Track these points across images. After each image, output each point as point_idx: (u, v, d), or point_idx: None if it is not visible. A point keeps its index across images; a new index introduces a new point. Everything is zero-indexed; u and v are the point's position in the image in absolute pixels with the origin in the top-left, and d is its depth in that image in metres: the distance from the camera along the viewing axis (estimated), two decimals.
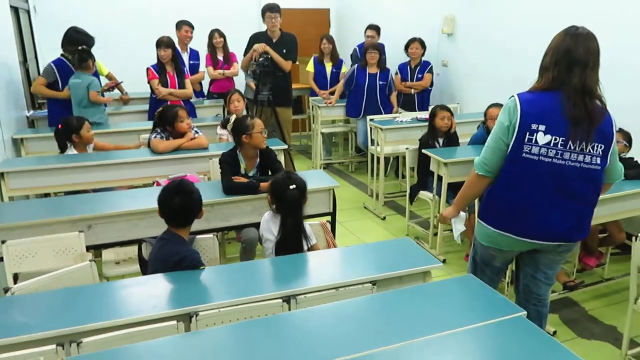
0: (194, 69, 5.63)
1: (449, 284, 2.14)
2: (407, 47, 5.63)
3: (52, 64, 4.55)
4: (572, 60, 2.03)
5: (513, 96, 2.12)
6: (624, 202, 3.10)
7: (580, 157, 2.06)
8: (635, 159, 3.39)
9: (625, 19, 3.80)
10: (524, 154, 2.08)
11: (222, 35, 5.85)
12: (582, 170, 2.07)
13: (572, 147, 2.05)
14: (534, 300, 2.42)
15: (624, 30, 3.81)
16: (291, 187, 2.45)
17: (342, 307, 1.89)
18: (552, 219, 2.13)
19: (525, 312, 1.83)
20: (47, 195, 3.74)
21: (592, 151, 2.06)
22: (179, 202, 2.23)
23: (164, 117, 3.80)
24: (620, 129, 3.33)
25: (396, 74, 5.68)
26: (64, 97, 4.48)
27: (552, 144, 2.05)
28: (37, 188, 3.55)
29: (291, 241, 2.46)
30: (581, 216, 2.18)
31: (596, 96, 2.06)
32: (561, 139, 2.04)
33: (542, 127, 2.05)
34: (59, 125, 3.77)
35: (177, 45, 5.47)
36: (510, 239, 2.21)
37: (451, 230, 4.29)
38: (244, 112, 4.32)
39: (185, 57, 5.58)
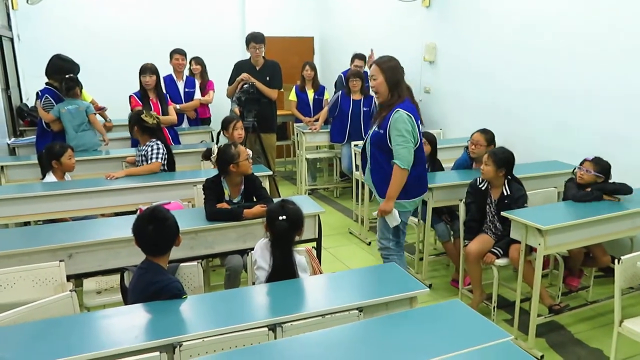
0: (189, 96, 5.62)
1: (435, 309, 2.14)
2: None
3: (48, 97, 4.48)
4: (401, 77, 3.17)
5: (399, 110, 3.06)
6: (605, 225, 3.14)
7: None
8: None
9: (598, 51, 3.93)
10: (420, 141, 3.17)
11: (199, 62, 5.97)
12: None
13: (421, 126, 3.24)
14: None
15: (597, 62, 3.94)
16: (280, 217, 2.37)
17: (330, 334, 1.86)
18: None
19: (512, 337, 1.82)
20: (27, 223, 3.67)
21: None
22: (152, 230, 2.18)
23: None
24: (595, 158, 3.36)
25: None
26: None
27: (420, 129, 3.19)
28: (17, 216, 3.48)
29: (282, 273, 2.37)
30: None
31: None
32: (420, 124, 3.18)
33: (418, 121, 3.15)
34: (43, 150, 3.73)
35: (172, 74, 5.52)
36: (419, 199, 3.36)
37: (437, 255, 4.32)
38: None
39: (180, 85, 5.60)
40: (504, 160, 3.36)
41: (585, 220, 3.05)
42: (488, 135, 3.83)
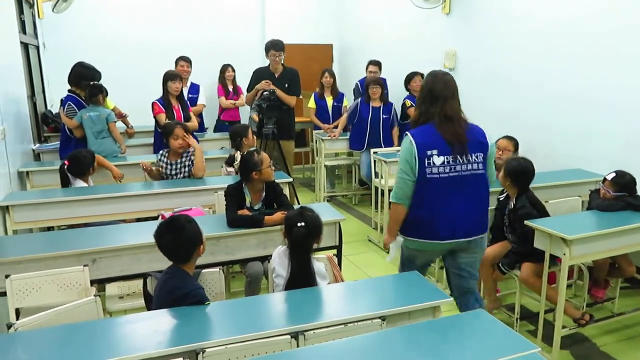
0: (193, 102, 5.76)
1: (459, 319, 2.11)
2: (408, 82, 5.70)
3: (71, 104, 4.53)
4: (433, 96, 2.59)
5: (407, 134, 2.61)
6: (631, 235, 3.07)
7: (466, 166, 2.58)
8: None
9: (621, 56, 3.86)
10: (427, 175, 2.54)
11: (233, 70, 6.38)
12: (472, 176, 2.59)
13: (459, 161, 2.56)
14: (464, 290, 2.82)
15: (621, 67, 3.87)
16: (299, 224, 2.36)
17: (352, 343, 1.85)
18: (459, 219, 2.60)
19: (539, 349, 1.79)
20: (50, 228, 3.73)
21: (472, 159, 2.58)
22: (170, 239, 2.21)
23: (164, 129, 4.07)
24: (615, 177, 3.26)
25: (410, 106, 5.57)
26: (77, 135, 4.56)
27: (445, 163, 2.55)
28: (42, 221, 3.54)
29: (300, 280, 2.36)
30: (480, 212, 2.68)
31: (459, 119, 2.62)
32: (450, 157, 2.55)
33: (435, 152, 2.54)
34: (66, 162, 3.78)
35: None
36: (427, 243, 2.65)
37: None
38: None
39: (185, 91, 5.69)
40: (512, 170, 3.22)
41: (612, 230, 2.98)
42: (514, 141, 3.76)
